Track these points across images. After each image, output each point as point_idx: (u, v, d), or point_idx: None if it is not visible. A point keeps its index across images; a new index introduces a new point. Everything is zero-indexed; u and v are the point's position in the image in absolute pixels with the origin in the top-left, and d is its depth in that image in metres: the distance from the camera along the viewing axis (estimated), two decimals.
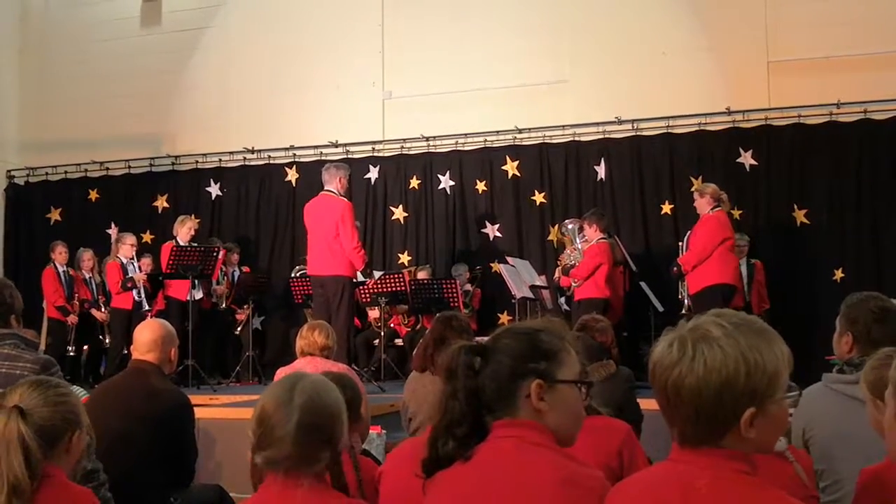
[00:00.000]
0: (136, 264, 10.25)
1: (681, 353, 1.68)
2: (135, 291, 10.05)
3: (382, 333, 9.90)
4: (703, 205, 8.48)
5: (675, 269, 8.63)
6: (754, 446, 1.68)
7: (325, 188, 8.63)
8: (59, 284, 10.48)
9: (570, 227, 9.68)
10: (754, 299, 9.30)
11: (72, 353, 10.40)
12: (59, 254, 10.62)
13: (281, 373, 5.07)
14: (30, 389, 2.52)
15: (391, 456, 3.33)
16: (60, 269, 10.56)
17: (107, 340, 10.47)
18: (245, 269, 11.25)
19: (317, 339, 5.30)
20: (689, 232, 8.78)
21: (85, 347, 10.62)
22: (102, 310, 10.61)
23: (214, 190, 12.00)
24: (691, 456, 1.69)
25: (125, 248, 10.28)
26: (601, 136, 10.46)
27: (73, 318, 10.43)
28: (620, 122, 10.33)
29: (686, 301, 8.65)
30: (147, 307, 10.05)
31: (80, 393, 5.72)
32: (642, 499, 1.74)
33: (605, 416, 3.18)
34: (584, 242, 9.31)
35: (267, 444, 2.16)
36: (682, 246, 8.83)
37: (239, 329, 10.84)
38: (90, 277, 10.79)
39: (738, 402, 1.64)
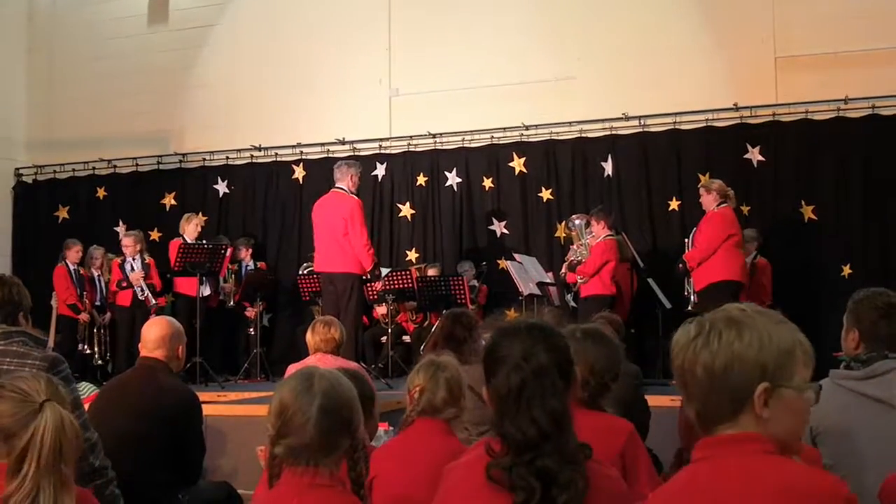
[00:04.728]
0: (133, 263, 10.26)
1: (698, 331, 1.75)
2: (138, 289, 10.09)
3: (390, 330, 9.91)
4: (708, 201, 8.46)
5: (680, 265, 8.62)
6: (773, 434, 1.70)
7: (336, 185, 8.65)
8: (70, 283, 10.56)
9: (577, 222, 9.66)
10: (750, 297, 9.19)
11: (87, 351, 10.51)
12: (76, 252, 10.69)
13: (292, 369, 5.07)
14: (51, 385, 2.43)
15: (378, 458, 3.22)
16: (72, 268, 10.63)
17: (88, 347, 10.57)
18: (261, 265, 11.26)
19: (332, 336, 5.30)
20: (694, 228, 8.77)
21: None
22: (106, 313, 10.76)
23: (222, 188, 12.02)
24: (721, 447, 1.72)
25: (123, 248, 10.34)
26: (608, 133, 10.45)
27: (85, 316, 10.54)
28: (627, 118, 10.32)
29: (692, 298, 8.64)
30: (154, 301, 10.09)
31: (88, 389, 5.76)
32: (680, 498, 1.75)
33: (609, 415, 3.15)
34: (591, 239, 9.30)
35: (288, 433, 2.18)
36: (688, 242, 8.82)
37: (252, 329, 10.68)
38: (99, 276, 10.86)
39: (749, 374, 1.69)
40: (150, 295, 10.08)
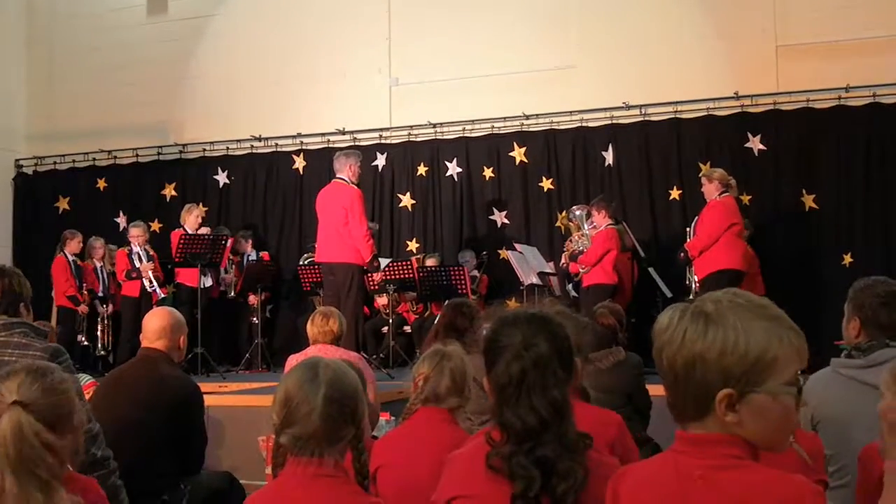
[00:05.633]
0: (142, 254, 10.26)
1: (670, 323, 1.68)
2: (145, 281, 10.09)
3: (391, 320, 9.91)
4: (710, 190, 8.44)
5: (681, 254, 8.61)
6: (750, 437, 1.62)
7: (337, 176, 8.64)
8: (70, 274, 10.55)
9: (577, 213, 9.66)
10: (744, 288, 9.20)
11: (86, 343, 10.51)
12: (76, 243, 10.68)
13: (292, 360, 5.07)
14: (27, 384, 2.25)
15: (383, 447, 3.22)
16: (71, 259, 10.62)
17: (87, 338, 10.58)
18: (264, 255, 11.24)
19: (332, 328, 5.30)
20: (696, 217, 8.76)
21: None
22: (108, 304, 10.76)
23: (222, 178, 12.00)
24: (688, 445, 1.67)
25: (132, 238, 10.34)
26: (609, 122, 10.43)
27: (83, 308, 10.53)
28: (628, 107, 10.30)
29: (694, 286, 8.65)
30: (162, 295, 10.10)
31: (84, 379, 5.77)
32: (644, 489, 1.74)
33: (598, 408, 3.15)
34: (592, 229, 9.31)
35: (293, 422, 2.19)
36: (690, 231, 8.82)
37: (255, 318, 10.56)
38: (101, 267, 10.86)
39: (712, 377, 1.60)
40: (157, 288, 10.09)
